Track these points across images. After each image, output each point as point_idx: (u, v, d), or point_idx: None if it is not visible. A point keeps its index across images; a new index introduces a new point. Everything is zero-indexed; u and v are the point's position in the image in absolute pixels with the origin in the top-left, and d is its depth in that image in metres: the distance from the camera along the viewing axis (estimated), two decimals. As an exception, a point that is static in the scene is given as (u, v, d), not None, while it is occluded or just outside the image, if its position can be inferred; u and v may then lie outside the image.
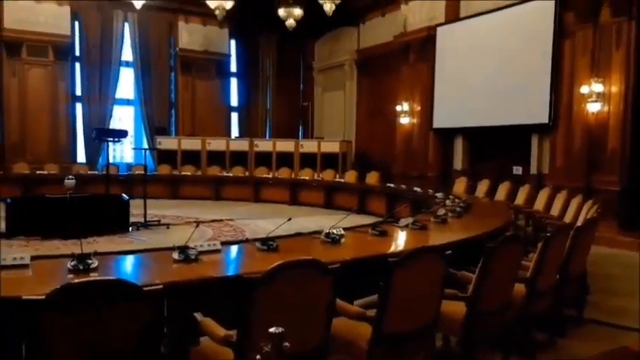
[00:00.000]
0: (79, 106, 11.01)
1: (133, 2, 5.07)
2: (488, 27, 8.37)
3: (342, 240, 2.98)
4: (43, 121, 10.39)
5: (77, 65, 10.95)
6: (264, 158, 11.42)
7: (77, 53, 10.91)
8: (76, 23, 10.74)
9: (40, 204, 6.34)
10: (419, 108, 9.95)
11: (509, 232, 3.33)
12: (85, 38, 10.88)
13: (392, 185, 8.38)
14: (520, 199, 6.71)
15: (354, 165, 11.19)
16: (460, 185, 7.84)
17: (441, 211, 4.25)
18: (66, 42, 10.50)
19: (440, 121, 9.47)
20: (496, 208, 5.48)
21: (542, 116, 7.54)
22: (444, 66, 9.32)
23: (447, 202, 5.23)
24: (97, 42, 10.93)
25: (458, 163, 9.44)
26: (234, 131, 12.98)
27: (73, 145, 10.97)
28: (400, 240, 3.37)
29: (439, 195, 6.04)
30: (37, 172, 9.45)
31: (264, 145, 11.76)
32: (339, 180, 9.93)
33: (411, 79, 10.03)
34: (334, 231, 2.99)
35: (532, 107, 7.65)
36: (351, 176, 9.77)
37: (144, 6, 9.87)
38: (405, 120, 10.19)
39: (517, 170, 8.28)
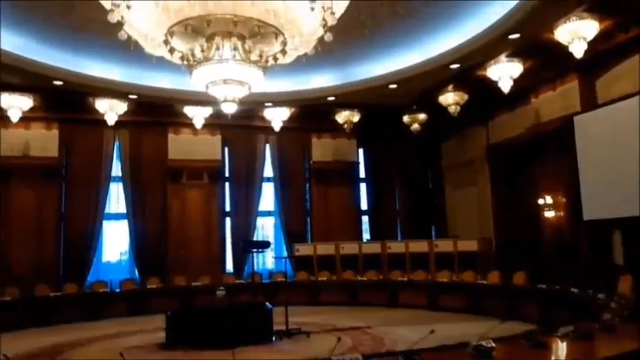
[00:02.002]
0: (227, 221, 12.13)
1: (225, 111, 5.81)
2: (633, 109, 7.77)
3: (494, 353, 2.76)
4: (199, 236, 11.58)
5: (226, 184, 12.26)
6: (397, 260, 11.27)
7: (226, 174, 12.27)
8: (226, 149, 12.22)
9: (195, 315, 6.92)
10: (564, 200, 9.25)
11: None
12: (233, 160, 12.27)
13: (544, 286, 7.65)
14: None
15: (495, 264, 10.50)
16: (625, 284, 6.88)
17: (606, 316, 3.77)
18: (218, 166, 11.94)
19: (592, 212, 8.64)
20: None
21: None
22: (587, 154, 8.70)
23: (612, 304, 4.62)
24: (242, 163, 12.25)
25: (619, 257, 8.36)
26: (366, 234, 13.16)
27: (223, 256, 11.93)
28: (561, 354, 3.01)
29: (601, 296, 5.37)
30: (193, 283, 10.43)
31: (396, 246, 11.68)
32: (481, 282, 9.34)
33: (550, 171, 9.48)
34: (483, 343, 2.80)
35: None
36: (494, 277, 9.15)
37: (281, 128, 11.03)
38: (550, 213, 9.49)
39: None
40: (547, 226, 9.58)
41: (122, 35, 5.01)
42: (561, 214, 9.35)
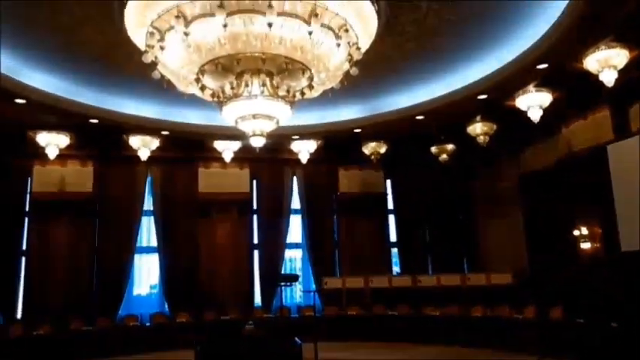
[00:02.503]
0: (256, 253, 12.14)
1: (253, 145, 5.92)
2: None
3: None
4: (227, 269, 11.59)
5: (255, 217, 12.32)
6: (428, 294, 11.01)
7: (255, 207, 12.35)
8: (254, 182, 12.35)
9: (224, 351, 6.87)
10: (600, 231, 8.94)
11: None
12: (261, 193, 12.37)
13: (582, 320, 7.33)
14: None
15: (530, 298, 10.13)
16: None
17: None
18: (246, 198, 12.04)
19: (629, 243, 8.32)
20: None
21: None
22: (622, 183, 8.45)
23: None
24: (270, 195, 12.33)
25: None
26: (395, 267, 12.94)
27: (251, 290, 11.87)
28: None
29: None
30: (222, 317, 10.40)
31: (427, 280, 11.43)
32: (517, 316, 9.02)
33: (584, 201, 9.22)
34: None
35: None
36: (529, 311, 8.83)
37: (308, 160, 11.11)
38: (585, 245, 9.18)
39: None
40: (583, 257, 9.25)
41: (155, 75, 5.21)
42: (597, 245, 9.03)
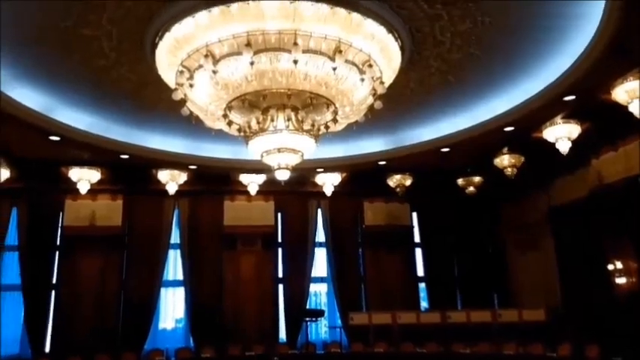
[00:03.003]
0: (280, 287, 12.05)
1: (279, 178, 5.99)
2: None
3: None
4: (252, 303, 11.52)
5: (279, 250, 12.30)
6: (458, 331, 10.68)
7: (279, 240, 12.34)
8: (279, 214, 12.38)
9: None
10: (635, 265, 8.60)
11: None
12: (286, 226, 12.37)
13: (619, 359, 6.99)
14: None
15: (565, 335, 9.72)
16: None
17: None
18: (271, 231, 12.05)
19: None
20: None
21: None
22: (657, 215, 8.17)
23: None
24: (295, 228, 12.32)
25: None
26: (423, 302, 12.64)
27: (276, 324, 11.73)
28: None
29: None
30: (247, 353, 10.26)
31: (457, 316, 11.11)
32: (551, 354, 8.65)
33: (618, 234, 8.91)
34: None
35: None
36: (564, 349, 8.47)
37: (333, 193, 11.11)
38: (621, 280, 8.82)
39: None
40: (619, 293, 8.87)
41: (185, 111, 5.35)
42: (633, 280, 8.67)
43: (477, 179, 11.06)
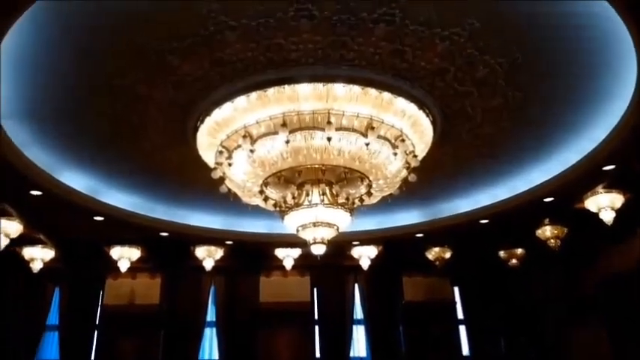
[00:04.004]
0: (318, 368, 11.58)
1: (314, 253, 5.95)
2: None
3: None
4: (289, 385, 11.09)
5: (316, 327, 11.95)
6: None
7: (316, 316, 12.03)
8: (315, 290, 12.17)
9: None
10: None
11: None
12: (323, 302, 12.10)
13: None
14: None
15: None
16: None
17: None
18: (307, 308, 11.80)
19: None
20: None
21: None
22: None
23: None
24: (332, 304, 12.03)
25: None
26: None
27: (314, 410, 11.17)
28: None
29: None
30: None
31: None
32: None
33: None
34: None
35: None
36: None
37: (370, 267, 10.91)
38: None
39: None
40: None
41: (223, 189, 5.53)
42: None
43: (519, 251, 10.71)
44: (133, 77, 5.02)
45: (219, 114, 5.21)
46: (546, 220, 9.22)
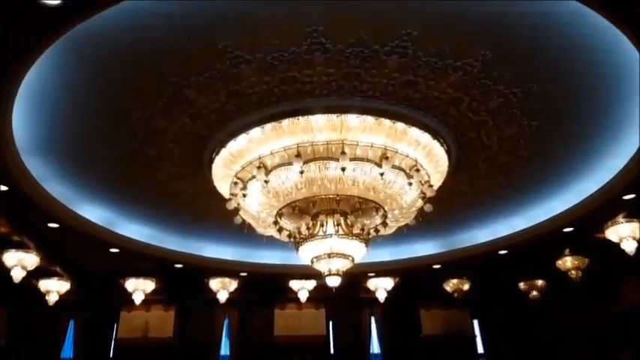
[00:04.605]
0: (333, 404, 11.27)
1: (329, 285, 5.83)
2: None
3: None
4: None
5: (331, 362, 11.71)
6: None
7: (331, 350, 11.77)
8: (330, 323, 11.95)
9: None
10: None
11: None
12: (338, 335, 11.87)
13: None
14: None
15: None
16: None
17: None
18: (322, 341, 11.57)
19: None
20: None
21: None
22: None
23: None
24: (348, 337, 11.79)
25: None
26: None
27: None
28: None
29: None
30: None
31: None
32: None
33: None
34: None
35: None
36: None
37: (386, 299, 10.69)
38: None
39: None
40: None
41: (237, 220, 5.53)
42: None
43: (539, 282, 10.45)
44: (151, 111, 5.12)
45: (235, 145, 5.27)
46: (567, 251, 9.02)
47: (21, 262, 7.98)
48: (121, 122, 5.31)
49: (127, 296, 10.10)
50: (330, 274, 5.69)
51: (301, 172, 4.81)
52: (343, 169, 4.73)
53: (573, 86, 4.91)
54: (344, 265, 5.61)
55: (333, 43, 4.29)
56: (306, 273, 9.33)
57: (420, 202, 5.48)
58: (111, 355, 10.93)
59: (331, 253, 5.43)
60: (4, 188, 5.99)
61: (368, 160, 4.88)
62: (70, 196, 6.89)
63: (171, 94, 4.86)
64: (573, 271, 9.06)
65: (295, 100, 4.89)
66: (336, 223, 5.32)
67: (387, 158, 4.84)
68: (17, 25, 3.66)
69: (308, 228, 5.40)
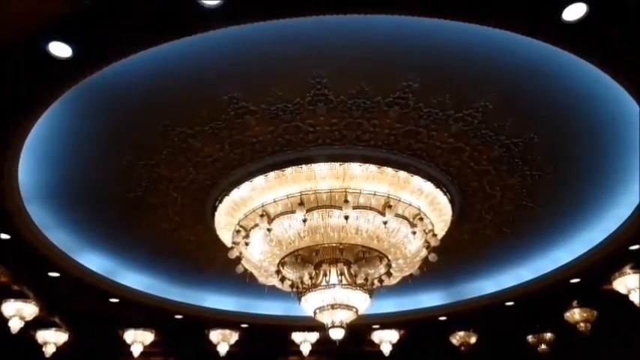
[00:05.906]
0: None
1: (333, 337, 5.71)
2: None
3: None
4: None
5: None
6: None
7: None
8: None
9: None
10: None
11: None
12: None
13: None
14: None
15: None
16: None
17: None
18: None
19: None
20: None
21: None
22: None
23: None
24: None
25: None
26: None
27: None
28: None
29: None
30: None
31: None
32: None
33: None
34: None
35: None
36: None
37: (391, 353, 10.33)
38: None
39: None
40: None
41: (239, 269, 5.47)
42: None
43: (548, 336, 10.14)
44: (155, 160, 5.18)
45: (238, 193, 5.29)
46: (575, 303, 8.81)
47: (19, 312, 7.83)
48: (124, 172, 5.35)
49: (126, 348, 9.82)
50: (333, 327, 5.56)
51: (304, 221, 4.80)
52: (346, 218, 4.73)
53: (574, 136, 4.97)
54: (348, 316, 5.50)
55: (335, 95, 4.40)
56: (309, 325, 9.10)
57: (424, 252, 5.43)
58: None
59: (335, 303, 5.34)
60: (5, 237, 5.97)
61: (371, 209, 4.89)
62: (71, 244, 6.84)
63: (176, 144, 4.93)
64: (582, 324, 8.82)
65: (299, 148, 4.96)
66: (339, 273, 5.26)
67: (390, 207, 4.84)
68: (28, 76, 3.77)
69: (311, 277, 5.34)
